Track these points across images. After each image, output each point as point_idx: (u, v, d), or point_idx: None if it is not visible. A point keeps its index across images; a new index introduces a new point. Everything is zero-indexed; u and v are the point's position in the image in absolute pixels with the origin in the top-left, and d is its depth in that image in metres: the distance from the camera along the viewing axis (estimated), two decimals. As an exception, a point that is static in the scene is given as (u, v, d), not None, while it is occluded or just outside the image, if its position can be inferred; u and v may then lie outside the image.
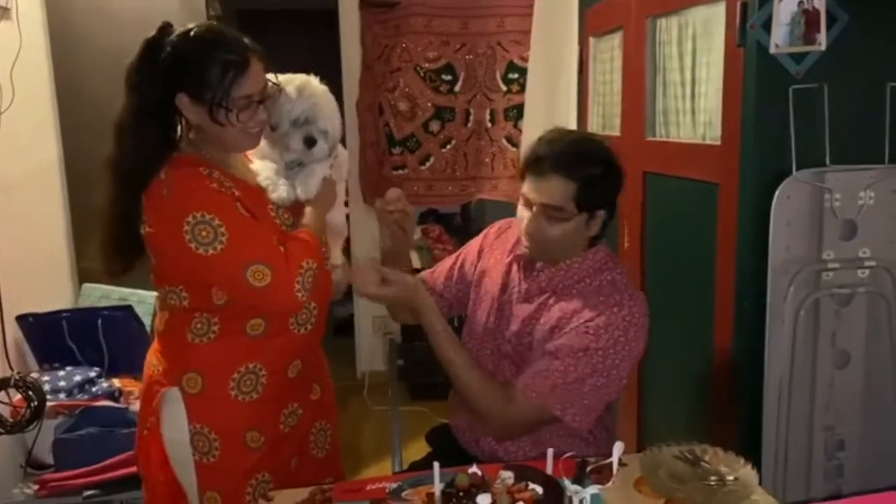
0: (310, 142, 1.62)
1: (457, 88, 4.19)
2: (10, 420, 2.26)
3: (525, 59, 3.91)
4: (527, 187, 1.62)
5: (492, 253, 1.84)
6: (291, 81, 1.62)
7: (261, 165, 1.63)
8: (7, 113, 2.57)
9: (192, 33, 1.49)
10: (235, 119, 1.50)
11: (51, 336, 2.61)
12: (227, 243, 1.46)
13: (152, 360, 1.66)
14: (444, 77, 4.17)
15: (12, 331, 2.53)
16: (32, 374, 2.42)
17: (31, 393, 2.26)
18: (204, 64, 1.47)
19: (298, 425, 1.70)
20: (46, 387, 2.37)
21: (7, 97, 2.58)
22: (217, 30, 1.54)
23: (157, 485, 1.63)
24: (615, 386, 1.61)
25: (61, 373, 2.50)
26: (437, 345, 1.65)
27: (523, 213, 1.65)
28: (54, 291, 2.95)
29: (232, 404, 1.58)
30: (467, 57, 4.18)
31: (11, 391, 2.31)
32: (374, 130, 4.24)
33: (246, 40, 1.53)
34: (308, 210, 1.63)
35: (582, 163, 1.58)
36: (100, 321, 2.62)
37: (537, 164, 1.59)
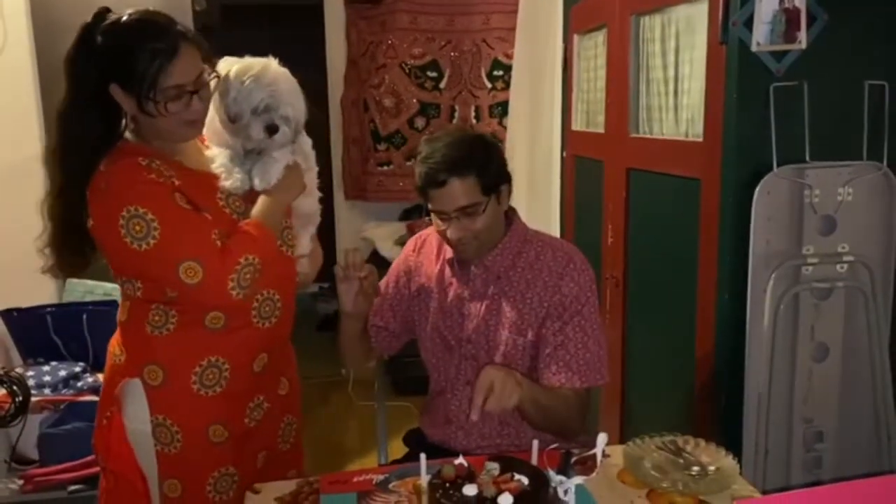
0: (271, 129, 1.54)
1: (442, 85, 4.21)
2: (-5, 415, 2.25)
3: (510, 57, 3.93)
4: (435, 204, 1.66)
5: (420, 268, 1.86)
6: (250, 68, 1.55)
7: (216, 151, 1.58)
8: (-10, 107, 2.55)
9: (122, 20, 1.43)
10: (164, 110, 1.43)
11: (35, 331, 2.59)
12: (159, 238, 1.41)
13: (114, 349, 1.61)
14: (429, 73, 4.19)
15: (-4, 326, 2.52)
16: (17, 369, 2.40)
17: (15, 388, 2.25)
18: (131, 53, 1.40)
19: (265, 420, 1.65)
20: (31, 382, 2.36)
21: (-10, 91, 2.56)
22: (148, 17, 1.45)
23: (117, 473, 1.60)
24: (601, 319, 1.75)
25: (46, 368, 2.49)
26: (542, 407, 1.63)
27: (442, 226, 1.69)
28: (38, 287, 2.91)
29: (194, 398, 1.54)
30: (452, 54, 4.19)
31: (-5, 386, 2.29)
32: (359, 126, 4.24)
33: (179, 27, 1.45)
34: (262, 198, 1.55)
35: (466, 156, 1.63)
36: (84, 316, 2.60)
37: (432, 180, 1.62)
